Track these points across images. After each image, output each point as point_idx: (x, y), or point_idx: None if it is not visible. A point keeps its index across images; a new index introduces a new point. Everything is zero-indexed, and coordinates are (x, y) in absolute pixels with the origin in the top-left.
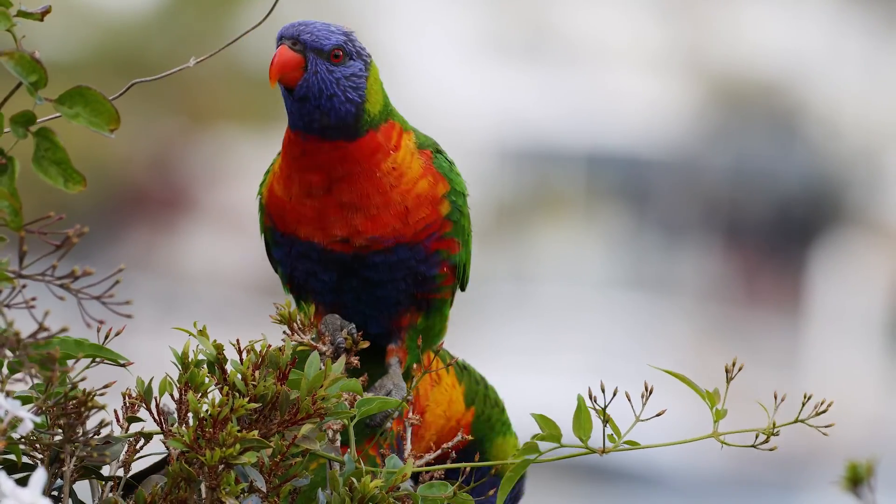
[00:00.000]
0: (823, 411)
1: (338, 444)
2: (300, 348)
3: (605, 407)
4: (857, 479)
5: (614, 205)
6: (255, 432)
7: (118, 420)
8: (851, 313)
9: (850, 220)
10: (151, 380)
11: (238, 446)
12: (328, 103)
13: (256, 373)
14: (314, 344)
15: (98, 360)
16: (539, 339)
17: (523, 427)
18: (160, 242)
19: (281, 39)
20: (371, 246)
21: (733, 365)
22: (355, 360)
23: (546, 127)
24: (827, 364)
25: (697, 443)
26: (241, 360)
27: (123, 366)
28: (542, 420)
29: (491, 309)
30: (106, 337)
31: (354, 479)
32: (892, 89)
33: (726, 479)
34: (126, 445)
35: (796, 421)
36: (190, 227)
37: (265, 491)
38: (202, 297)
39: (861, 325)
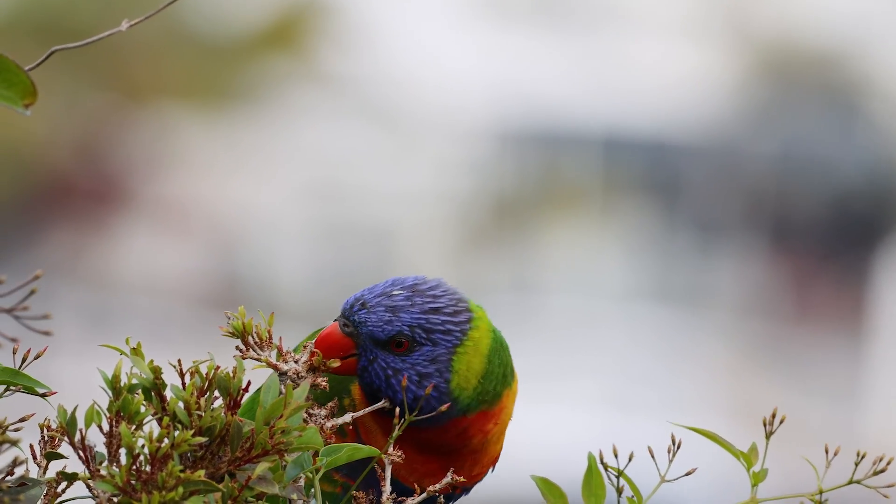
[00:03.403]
0: (882, 470)
1: (301, 484)
2: (256, 367)
3: (621, 472)
4: None
5: (637, 199)
6: (202, 472)
7: (35, 458)
8: None
9: None
10: (76, 409)
11: (181, 489)
12: (396, 396)
13: (202, 400)
14: (273, 362)
15: (13, 388)
16: (546, 363)
17: (528, 464)
18: (88, 244)
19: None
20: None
21: (773, 417)
22: (323, 382)
23: (555, 105)
24: (894, 393)
25: (734, 484)
26: (182, 384)
27: (43, 396)
28: (545, 486)
29: None
30: (23, 360)
31: None
32: None
33: None
34: (45, 489)
35: (850, 482)
36: (124, 226)
37: None
38: (138, 310)
39: None
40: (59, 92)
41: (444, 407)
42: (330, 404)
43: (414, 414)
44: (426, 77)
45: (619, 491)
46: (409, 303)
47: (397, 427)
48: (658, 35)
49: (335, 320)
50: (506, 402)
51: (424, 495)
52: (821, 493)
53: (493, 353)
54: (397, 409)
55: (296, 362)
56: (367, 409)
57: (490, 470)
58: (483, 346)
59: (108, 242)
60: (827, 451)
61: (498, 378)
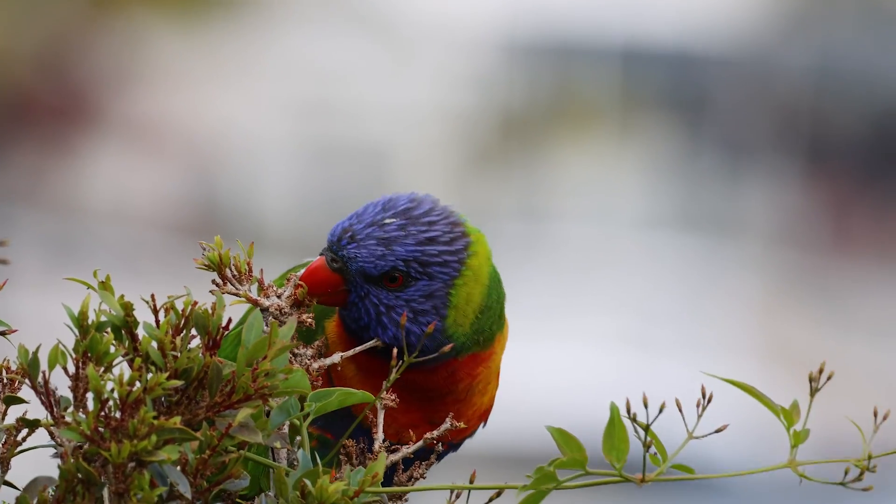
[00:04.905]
0: None
1: (285, 431)
2: (235, 302)
3: (647, 428)
4: None
5: (659, 117)
6: (177, 419)
7: None
8: None
9: None
10: (38, 348)
11: (154, 438)
12: (385, 334)
13: (178, 339)
14: (253, 297)
15: None
16: (558, 297)
17: (539, 409)
18: (51, 167)
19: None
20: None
21: (820, 372)
22: (309, 319)
23: (568, 12)
24: None
25: (769, 436)
26: (156, 322)
27: (2, 334)
28: (562, 437)
29: (493, 256)
30: None
31: (308, 482)
32: None
33: (806, 482)
34: (4, 437)
35: None
36: (91, 147)
37: (190, 497)
38: (107, 239)
39: None
40: None
41: (447, 347)
42: (317, 343)
43: (413, 355)
44: None
45: (647, 446)
46: (403, 233)
47: (395, 370)
48: None
49: (321, 253)
50: (496, 347)
51: (421, 443)
52: (869, 458)
53: (492, 284)
54: (395, 351)
55: (278, 297)
56: (359, 349)
57: (481, 425)
58: (483, 274)
59: (73, 164)
60: (876, 415)
61: (495, 316)
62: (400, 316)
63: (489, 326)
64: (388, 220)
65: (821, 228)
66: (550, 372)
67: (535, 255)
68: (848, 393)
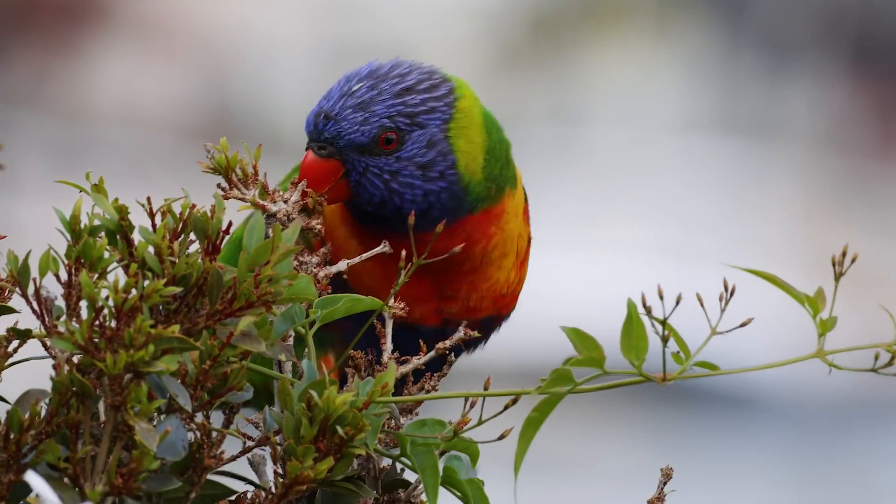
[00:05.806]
0: None
1: (290, 343)
2: (242, 208)
3: (664, 322)
4: None
5: (697, 14)
6: (176, 328)
7: None
8: None
9: None
10: (28, 254)
11: (151, 347)
12: (403, 202)
13: (175, 244)
14: (259, 202)
15: None
16: (590, 204)
17: (569, 322)
18: (56, 68)
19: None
20: (457, 323)
21: (843, 255)
22: (318, 225)
23: None
24: None
25: (804, 341)
26: (153, 226)
27: None
28: (578, 337)
29: (522, 162)
30: None
31: (314, 393)
32: None
33: (846, 397)
34: None
35: None
36: (98, 47)
37: (190, 409)
38: (114, 144)
39: None
40: None
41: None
42: (322, 250)
43: (441, 226)
44: None
45: (665, 340)
46: (376, 91)
47: (432, 236)
48: None
49: (307, 148)
50: (507, 203)
51: (433, 353)
52: None
53: (488, 123)
54: (411, 218)
55: (285, 202)
56: (366, 255)
57: (504, 318)
58: (475, 114)
59: (79, 66)
60: None
61: (502, 159)
62: (408, 176)
63: (499, 171)
64: (355, 87)
65: (867, 132)
66: (581, 284)
67: (567, 160)
68: (893, 301)
